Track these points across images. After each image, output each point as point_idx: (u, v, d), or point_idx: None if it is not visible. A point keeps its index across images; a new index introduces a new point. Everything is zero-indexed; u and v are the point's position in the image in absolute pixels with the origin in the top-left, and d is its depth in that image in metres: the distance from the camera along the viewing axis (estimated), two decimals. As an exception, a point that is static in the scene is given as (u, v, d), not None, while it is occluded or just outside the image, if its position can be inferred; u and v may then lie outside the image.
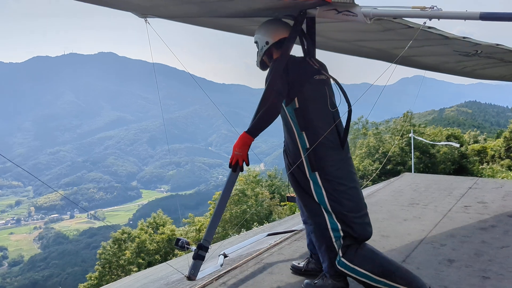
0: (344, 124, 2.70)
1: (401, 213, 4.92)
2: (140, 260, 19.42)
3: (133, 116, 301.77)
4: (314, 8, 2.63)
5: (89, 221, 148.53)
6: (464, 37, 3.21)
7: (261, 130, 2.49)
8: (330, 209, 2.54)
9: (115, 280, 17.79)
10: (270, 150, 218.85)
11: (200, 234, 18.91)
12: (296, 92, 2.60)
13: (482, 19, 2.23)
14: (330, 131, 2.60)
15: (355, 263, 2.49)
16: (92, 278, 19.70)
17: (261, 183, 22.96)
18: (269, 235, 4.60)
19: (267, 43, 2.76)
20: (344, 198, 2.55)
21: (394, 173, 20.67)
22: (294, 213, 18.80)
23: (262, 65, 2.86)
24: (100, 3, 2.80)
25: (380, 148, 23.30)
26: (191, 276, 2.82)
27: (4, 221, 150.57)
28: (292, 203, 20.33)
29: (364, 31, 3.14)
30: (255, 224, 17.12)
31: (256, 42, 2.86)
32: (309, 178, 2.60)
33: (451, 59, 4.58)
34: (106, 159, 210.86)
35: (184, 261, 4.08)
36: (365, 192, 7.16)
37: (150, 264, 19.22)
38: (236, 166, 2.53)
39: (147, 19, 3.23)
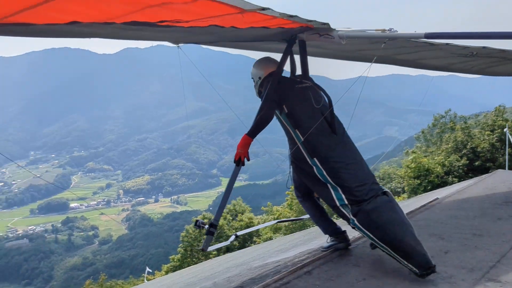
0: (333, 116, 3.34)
1: (494, 211, 4.64)
2: (219, 246, 20.01)
3: (214, 106, 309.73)
4: (302, 33, 3.36)
5: (172, 206, 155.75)
6: (447, 43, 3.79)
7: (258, 132, 3.26)
8: (334, 184, 3.05)
9: (196, 263, 18.56)
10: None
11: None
12: (283, 101, 3.30)
13: (426, 37, 2.83)
14: (316, 119, 3.22)
15: (365, 227, 2.92)
16: (175, 260, 20.65)
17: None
18: (278, 222, 4.85)
19: (259, 78, 3.57)
20: (343, 173, 3.05)
21: (483, 170, 19.43)
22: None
23: (260, 94, 3.62)
24: (134, 38, 3.43)
25: (469, 143, 21.93)
26: (204, 248, 3.56)
27: (96, 202, 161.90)
28: None
29: (360, 43, 3.69)
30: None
31: (252, 78, 3.67)
32: (311, 164, 3.18)
33: (456, 60, 5.14)
34: (189, 147, 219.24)
35: (260, 249, 4.20)
36: (454, 188, 6.83)
37: (228, 250, 19.76)
38: (239, 161, 3.33)
39: (180, 45, 4.02)
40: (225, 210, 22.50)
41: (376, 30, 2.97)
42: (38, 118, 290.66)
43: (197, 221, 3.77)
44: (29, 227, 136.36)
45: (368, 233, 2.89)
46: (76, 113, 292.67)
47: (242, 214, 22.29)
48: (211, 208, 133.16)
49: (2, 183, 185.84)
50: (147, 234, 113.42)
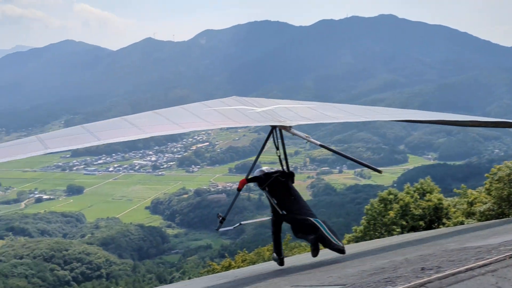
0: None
1: None
2: (404, 223, 19.49)
3: (406, 79, 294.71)
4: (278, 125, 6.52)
5: (356, 178, 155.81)
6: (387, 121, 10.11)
7: (250, 182, 6.79)
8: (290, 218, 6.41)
9: (379, 237, 18.47)
10: None
11: (472, 207, 17.75)
12: (265, 184, 6.54)
13: (321, 146, 6.67)
14: (283, 192, 6.51)
15: (322, 221, 6.15)
16: (357, 231, 20.86)
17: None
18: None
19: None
20: (296, 214, 6.26)
21: None
22: None
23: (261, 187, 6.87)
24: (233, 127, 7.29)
25: None
26: (217, 229, 7.02)
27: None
28: None
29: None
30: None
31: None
32: (282, 214, 6.37)
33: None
34: (377, 121, 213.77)
35: (453, 232, 4.04)
36: None
37: (413, 229, 19.16)
38: (239, 190, 7.24)
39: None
40: (412, 188, 21.65)
41: (305, 135, 6.42)
42: (239, 87, 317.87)
43: (218, 213, 6.98)
44: (227, 184, 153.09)
45: (322, 223, 6.06)
46: (272, 83, 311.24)
47: (431, 193, 21.16)
48: (395, 185, 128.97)
49: (208, 143, 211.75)
50: (329, 203, 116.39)
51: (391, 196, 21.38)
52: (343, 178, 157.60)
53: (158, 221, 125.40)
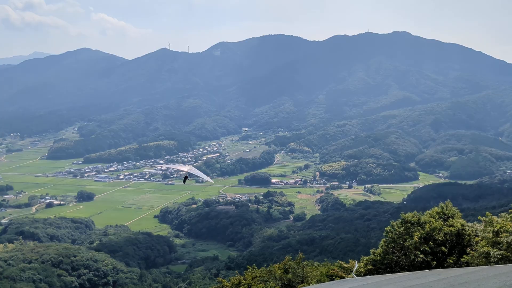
0: None
1: None
2: (427, 248, 19.17)
3: (419, 97, 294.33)
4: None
5: (365, 194, 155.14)
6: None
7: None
8: None
9: (396, 261, 18.05)
10: None
11: (498, 237, 17.46)
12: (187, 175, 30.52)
13: (188, 175, 28.13)
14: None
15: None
16: (376, 254, 19.81)
17: None
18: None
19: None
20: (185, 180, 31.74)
21: None
22: None
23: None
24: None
25: None
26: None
27: (294, 181, 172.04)
28: None
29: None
30: None
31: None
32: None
33: None
34: (388, 137, 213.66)
35: None
36: None
37: (433, 254, 18.89)
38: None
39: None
40: (434, 213, 21.42)
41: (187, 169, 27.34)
42: (251, 99, 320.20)
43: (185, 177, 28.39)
44: (236, 195, 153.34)
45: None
46: (284, 96, 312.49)
47: (453, 218, 20.92)
48: (405, 202, 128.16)
49: (218, 154, 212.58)
50: (338, 218, 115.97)
51: (415, 219, 20.49)
52: (353, 193, 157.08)
53: (166, 230, 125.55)
